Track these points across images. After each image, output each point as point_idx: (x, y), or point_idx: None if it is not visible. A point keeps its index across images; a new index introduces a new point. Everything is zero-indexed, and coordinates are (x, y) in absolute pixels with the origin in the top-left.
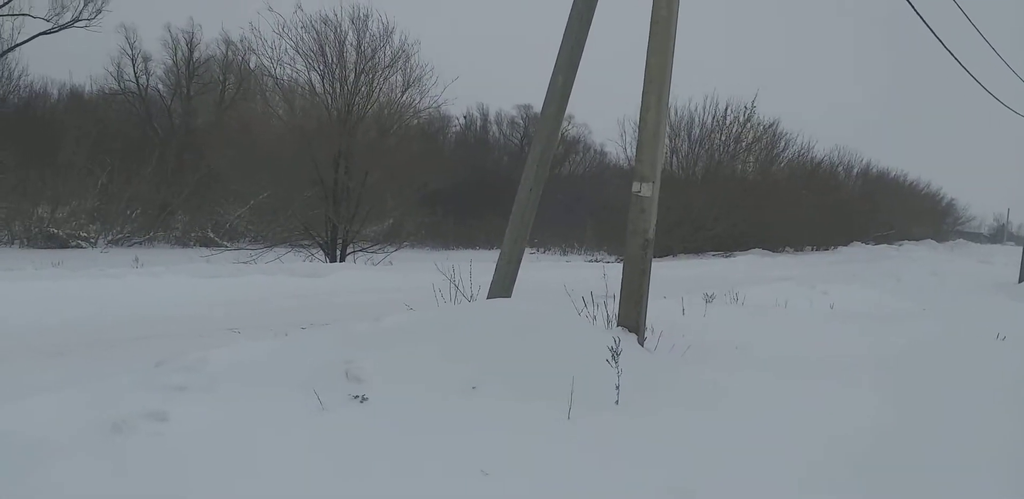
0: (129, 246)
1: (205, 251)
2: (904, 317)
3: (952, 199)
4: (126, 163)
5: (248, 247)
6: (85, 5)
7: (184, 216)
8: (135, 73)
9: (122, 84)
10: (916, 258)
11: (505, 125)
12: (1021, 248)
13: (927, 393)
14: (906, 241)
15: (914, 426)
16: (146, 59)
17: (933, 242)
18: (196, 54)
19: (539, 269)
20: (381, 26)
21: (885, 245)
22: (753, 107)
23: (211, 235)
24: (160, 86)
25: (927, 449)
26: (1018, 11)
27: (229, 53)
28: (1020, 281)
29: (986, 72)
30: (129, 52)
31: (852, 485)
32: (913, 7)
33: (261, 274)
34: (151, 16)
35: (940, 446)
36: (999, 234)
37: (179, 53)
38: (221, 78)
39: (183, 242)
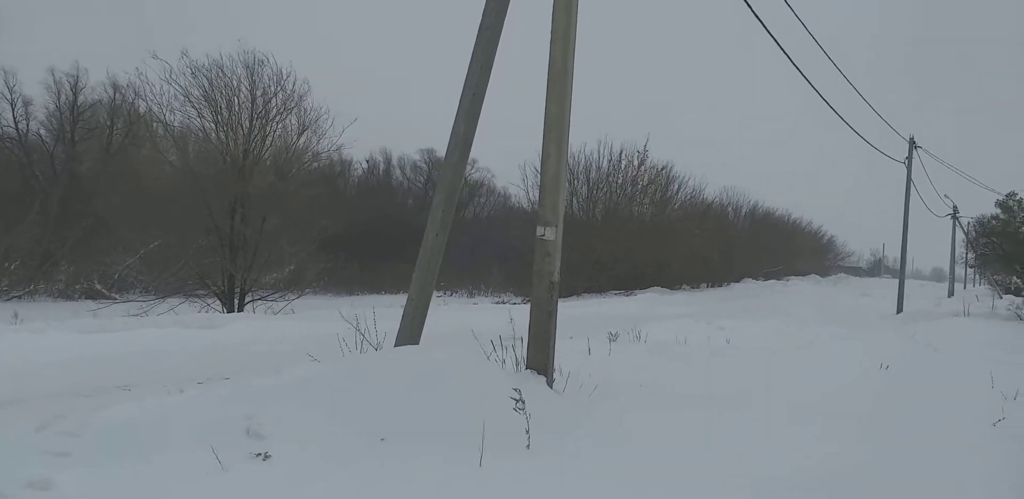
0: (7, 300)
1: (92, 304)
2: (795, 350)
3: (833, 236)
4: (3, 211)
5: (139, 299)
6: None
7: (68, 267)
8: (14, 118)
9: (0, 129)
10: (802, 292)
11: (408, 169)
12: (896, 281)
13: (826, 423)
14: (792, 276)
15: (812, 449)
16: (26, 103)
17: (817, 277)
18: (81, 98)
19: (447, 312)
20: (274, 70)
21: (774, 280)
22: (646, 150)
23: (98, 287)
24: (42, 131)
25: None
26: (887, 62)
27: (116, 97)
28: (898, 312)
29: (859, 117)
30: (7, 96)
31: None
32: (787, 54)
33: (153, 327)
34: (32, 58)
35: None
36: (876, 267)
37: (63, 97)
38: (108, 123)
39: (67, 295)
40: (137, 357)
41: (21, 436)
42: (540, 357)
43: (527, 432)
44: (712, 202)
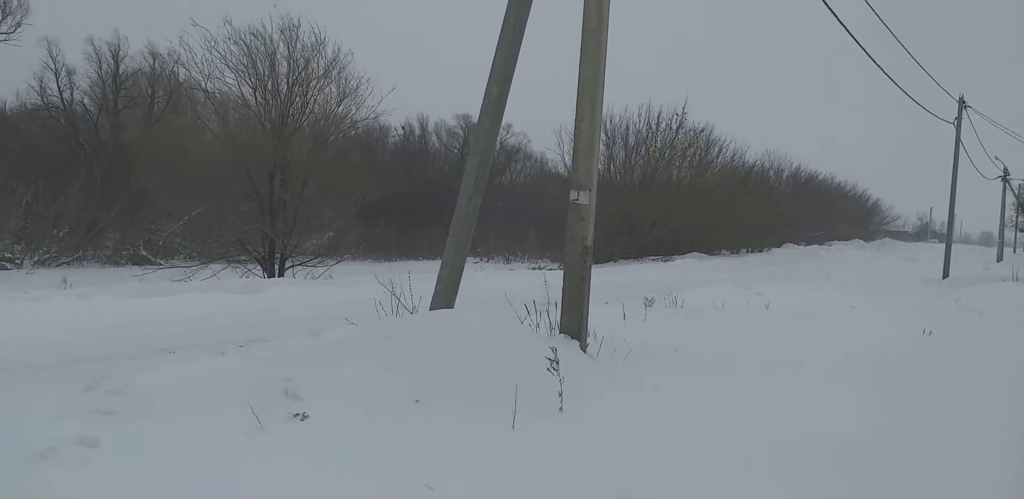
0: (57, 266)
1: (138, 270)
2: (835, 315)
3: (878, 199)
4: (52, 180)
5: (183, 264)
6: (3, 18)
7: (115, 234)
8: (59, 88)
9: (45, 99)
10: (845, 257)
11: (445, 135)
12: (943, 245)
13: (858, 388)
14: (835, 241)
15: (841, 415)
16: (70, 73)
17: (861, 241)
18: (122, 67)
19: (482, 278)
20: (313, 36)
21: (816, 245)
22: (684, 113)
23: (143, 253)
24: (86, 100)
25: (860, 437)
26: (937, 18)
27: (157, 65)
28: (944, 277)
29: (906, 76)
30: (52, 66)
31: (793, 479)
32: (837, 17)
33: (196, 292)
34: (73, 29)
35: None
36: (923, 232)
37: (104, 66)
38: (149, 91)
39: (114, 261)
40: (181, 320)
41: (70, 396)
42: (573, 321)
43: (560, 395)
44: (753, 165)
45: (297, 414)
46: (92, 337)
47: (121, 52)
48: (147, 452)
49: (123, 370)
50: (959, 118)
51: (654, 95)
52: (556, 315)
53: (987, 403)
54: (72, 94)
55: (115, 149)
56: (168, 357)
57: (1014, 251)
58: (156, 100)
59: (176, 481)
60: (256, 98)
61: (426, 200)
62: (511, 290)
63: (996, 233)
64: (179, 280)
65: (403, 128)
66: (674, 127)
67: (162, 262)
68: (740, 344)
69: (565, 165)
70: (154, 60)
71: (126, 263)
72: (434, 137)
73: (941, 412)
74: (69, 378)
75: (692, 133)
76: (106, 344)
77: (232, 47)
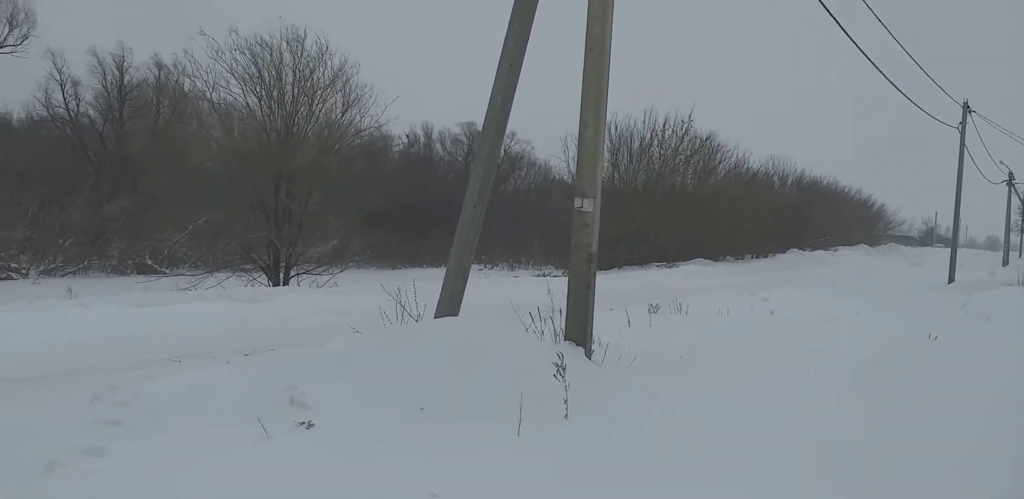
0: (62, 276)
1: (143, 278)
2: (841, 320)
3: (883, 204)
4: (58, 191)
5: (188, 273)
6: (10, 31)
7: (120, 243)
8: (64, 99)
9: (51, 110)
10: (850, 263)
11: (449, 143)
12: (949, 250)
13: (863, 392)
14: (840, 246)
15: (843, 421)
16: (75, 84)
17: (866, 246)
18: (127, 78)
19: (487, 285)
20: (317, 46)
21: (821, 251)
22: (690, 120)
23: (149, 262)
24: (91, 111)
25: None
26: (939, 23)
27: (162, 76)
28: (950, 282)
29: (910, 81)
30: (57, 77)
31: (798, 482)
32: (837, 22)
33: (201, 301)
34: (79, 41)
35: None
36: (928, 237)
37: (109, 77)
38: (155, 102)
39: (120, 270)
40: (186, 330)
41: (77, 406)
42: (578, 328)
43: (565, 402)
44: (757, 171)
45: (303, 422)
46: (97, 347)
47: (125, 63)
48: (155, 461)
49: (129, 380)
50: (963, 123)
51: (657, 101)
52: (561, 322)
53: (990, 409)
54: (77, 105)
55: (121, 159)
56: (174, 367)
57: (1020, 255)
58: (161, 110)
59: (184, 490)
60: (261, 108)
61: (431, 208)
62: (516, 297)
63: (1002, 237)
64: (184, 289)
65: (407, 136)
66: (680, 134)
67: (167, 271)
68: (744, 351)
69: (569, 172)
70: (159, 71)
71: (131, 272)
72: (438, 145)
73: (943, 417)
74: (75, 389)
75: (697, 140)
76: (112, 354)
77: (238, 56)
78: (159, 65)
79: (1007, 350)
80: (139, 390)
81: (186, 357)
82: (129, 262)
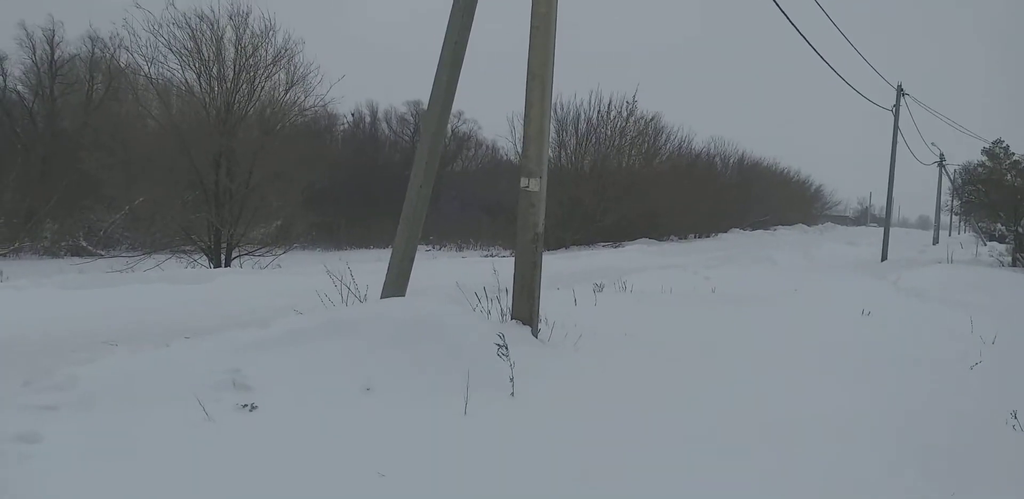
0: None
1: (78, 260)
2: (779, 297)
3: (820, 185)
4: None
5: (125, 255)
6: None
7: (53, 224)
8: None
9: None
10: (789, 242)
11: (395, 122)
12: (882, 229)
13: (796, 367)
14: (780, 226)
15: (780, 395)
16: (2, 59)
17: (804, 226)
18: (58, 52)
19: (434, 266)
20: (263, 22)
21: (761, 230)
22: (635, 101)
23: (83, 244)
24: (19, 87)
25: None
26: (878, 7)
27: (96, 51)
28: (883, 260)
29: (846, 64)
30: None
31: (744, 455)
32: (779, 5)
33: (139, 283)
34: (6, 14)
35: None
36: (863, 216)
37: (39, 52)
38: (88, 77)
39: (53, 252)
40: (123, 313)
41: (8, 390)
42: (525, 307)
43: (511, 380)
44: (700, 153)
45: (246, 405)
46: (30, 331)
47: (56, 37)
48: (92, 446)
49: (64, 364)
50: (897, 105)
51: (603, 82)
52: (508, 302)
53: (918, 382)
54: (4, 81)
55: (52, 137)
56: (111, 350)
57: (949, 234)
58: (95, 86)
59: (123, 474)
60: (200, 84)
61: (377, 188)
62: (463, 278)
63: (933, 217)
64: (120, 271)
65: (352, 115)
66: (624, 115)
67: (103, 253)
68: (686, 328)
69: (517, 153)
70: (92, 45)
71: (65, 254)
72: (384, 124)
73: (873, 391)
74: (6, 373)
75: (642, 121)
76: (45, 338)
77: (176, 31)
78: (94, 39)
79: (935, 326)
80: (75, 374)
81: (123, 340)
82: (63, 244)
